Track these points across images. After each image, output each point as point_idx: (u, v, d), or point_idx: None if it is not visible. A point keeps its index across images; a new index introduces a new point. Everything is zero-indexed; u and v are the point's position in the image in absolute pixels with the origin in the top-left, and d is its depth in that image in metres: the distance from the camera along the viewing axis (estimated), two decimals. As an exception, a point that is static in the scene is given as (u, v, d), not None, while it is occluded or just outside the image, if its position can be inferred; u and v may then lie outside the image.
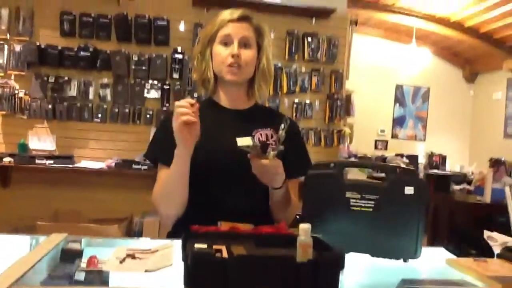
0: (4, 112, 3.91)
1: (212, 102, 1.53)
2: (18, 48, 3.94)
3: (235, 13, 1.44)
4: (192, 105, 1.24)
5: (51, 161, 3.75)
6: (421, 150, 8.23)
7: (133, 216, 3.95)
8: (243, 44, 1.43)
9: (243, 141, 1.22)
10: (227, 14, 1.45)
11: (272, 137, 1.45)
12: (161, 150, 1.45)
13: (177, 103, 1.25)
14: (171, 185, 1.37)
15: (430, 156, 7.69)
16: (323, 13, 4.26)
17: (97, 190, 3.96)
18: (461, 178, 5.89)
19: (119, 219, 3.82)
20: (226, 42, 1.43)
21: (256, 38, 1.47)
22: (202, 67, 1.48)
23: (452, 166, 7.66)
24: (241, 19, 1.44)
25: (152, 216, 3.86)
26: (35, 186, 3.92)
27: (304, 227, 0.92)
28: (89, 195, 3.95)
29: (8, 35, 3.97)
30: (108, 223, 3.67)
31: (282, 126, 1.27)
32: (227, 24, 1.43)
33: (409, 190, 1.17)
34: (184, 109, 1.23)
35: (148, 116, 4.07)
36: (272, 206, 1.45)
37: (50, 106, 3.94)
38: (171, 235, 1.42)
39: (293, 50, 4.26)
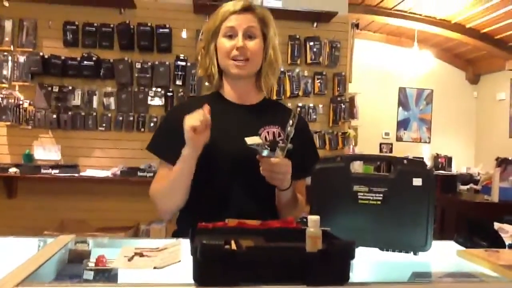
0: (9, 123, 3.93)
1: (219, 96, 1.49)
2: (22, 59, 3.96)
3: (238, 4, 1.39)
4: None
5: (57, 171, 3.75)
6: (426, 152, 8.21)
7: (139, 224, 3.94)
8: (248, 35, 1.39)
9: (252, 140, 1.22)
10: (229, 5, 1.40)
11: (279, 135, 1.41)
12: (163, 146, 1.44)
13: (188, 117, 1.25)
14: (174, 183, 1.35)
15: (436, 157, 7.67)
16: (325, 17, 4.26)
17: (102, 198, 3.96)
18: (468, 178, 5.87)
19: (125, 227, 3.81)
20: (231, 35, 1.38)
21: (261, 28, 1.42)
22: (207, 63, 1.44)
23: (458, 167, 7.64)
24: (244, 9, 1.39)
25: (159, 224, 3.85)
26: (41, 196, 3.92)
27: (313, 218, 0.91)
28: (95, 204, 3.95)
29: (12, 47, 4.00)
30: (115, 232, 3.66)
31: (291, 122, 1.25)
32: (230, 16, 1.38)
33: (417, 181, 1.16)
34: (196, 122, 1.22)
35: (152, 123, 4.08)
36: (279, 207, 1.43)
37: (54, 116, 3.96)
38: (177, 234, 1.41)
39: (296, 54, 4.27)
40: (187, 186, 1.36)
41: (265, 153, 1.24)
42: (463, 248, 1.25)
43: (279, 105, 1.62)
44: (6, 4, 3.99)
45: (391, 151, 8.31)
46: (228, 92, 1.48)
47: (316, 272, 0.84)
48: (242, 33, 1.38)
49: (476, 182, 5.37)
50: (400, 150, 8.04)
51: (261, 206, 1.40)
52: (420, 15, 7.22)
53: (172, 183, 1.35)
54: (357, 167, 3.27)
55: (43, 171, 3.73)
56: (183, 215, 1.47)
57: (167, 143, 1.41)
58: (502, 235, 1.29)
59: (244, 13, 1.39)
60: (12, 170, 3.70)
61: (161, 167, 1.43)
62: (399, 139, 8.58)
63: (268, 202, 1.43)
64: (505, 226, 1.34)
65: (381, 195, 1.18)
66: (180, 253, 1.08)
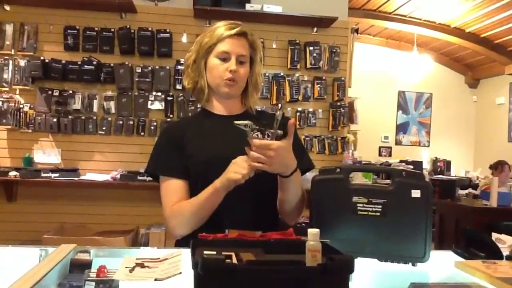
0: (9, 127, 3.93)
1: (208, 112, 1.56)
2: (22, 63, 3.97)
3: (233, 28, 1.46)
4: None
5: (56, 174, 3.75)
6: (425, 156, 8.23)
7: (139, 228, 3.95)
8: (239, 61, 1.47)
9: (241, 121, 1.23)
10: (225, 28, 1.46)
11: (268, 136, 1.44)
12: (165, 162, 1.47)
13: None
14: (200, 212, 1.37)
15: (435, 161, 7.67)
16: (324, 22, 4.27)
17: (102, 202, 3.97)
18: (467, 183, 5.87)
19: (125, 231, 3.82)
20: (224, 58, 1.46)
21: (250, 53, 1.51)
22: (196, 77, 1.51)
23: (457, 171, 7.65)
24: (238, 34, 1.47)
25: (158, 228, 3.85)
26: (41, 200, 3.93)
27: (313, 231, 0.93)
28: (95, 208, 3.96)
29: (12, 51, 4.00)
30: (114, 236, 3.67)
31: (279, 106, 1.27)
32: (225, 40, 1.45)
33: (415, 193, 1.17)
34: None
35: (152, 127, 4.08)
36: (284, 208, 1.44)
37: (54, 120, 3.96)
38: (179, 244, 1.43)
39: (295, 59, 4.28)
40: (211, 212, 1.38)
41: (252, 134, 1.22)
42: (461, 259, 1.26)
43: (263, 112, 1.71)
44: (7, 8, 4.00)
45: (390, 155, 8.33)
46: (215, 107, 1.55)
47: (315, 286, 0.85)
48: (235, 58, 1.46)
49: (475, 186, 5.37)
50: (399, 154, 8.05)
51: (261, 214, 1.44)
52: (420, 19, 7.24)
53: (198, 211, 1.37)
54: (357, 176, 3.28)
55: (43, 174, 3.74)
56: None
57: (167, 159, 1.45)
58: (500, 245, 1.30)
59: (239, 38, 1.47)
60: (12, 173, 3.70)
61: (166, 183, 1.45)
62: (398, 142, 8.60)
63: (267, 209, 1.47)
64: (503, 237, 1.35)
65: (380, 206, 1.20)
66: (181, 264, 1.09)
